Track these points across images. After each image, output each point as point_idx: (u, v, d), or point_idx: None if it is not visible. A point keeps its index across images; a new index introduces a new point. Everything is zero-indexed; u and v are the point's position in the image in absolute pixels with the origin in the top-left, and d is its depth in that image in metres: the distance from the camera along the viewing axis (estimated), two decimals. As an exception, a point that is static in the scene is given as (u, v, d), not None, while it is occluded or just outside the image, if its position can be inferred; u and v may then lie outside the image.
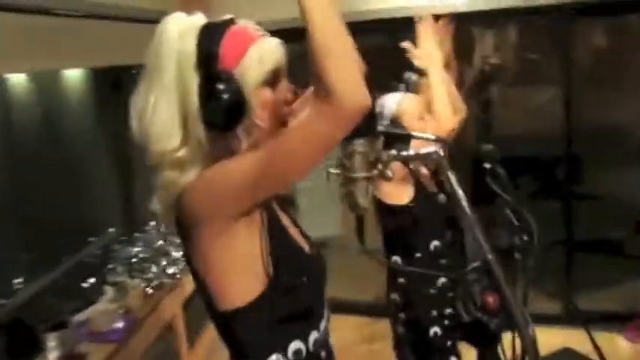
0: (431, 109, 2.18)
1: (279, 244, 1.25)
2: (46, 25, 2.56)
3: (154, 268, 3.30)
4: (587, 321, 2.76)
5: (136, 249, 3.37)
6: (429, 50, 2.22)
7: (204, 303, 1.29)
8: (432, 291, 2.19)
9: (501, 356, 1.37)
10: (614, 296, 4.00)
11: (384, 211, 2.19)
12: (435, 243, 2.19)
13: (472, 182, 1.70)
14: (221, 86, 1.14)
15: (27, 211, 2.90)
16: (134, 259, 3.30)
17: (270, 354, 1.25)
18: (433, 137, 1.49)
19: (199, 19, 1.21)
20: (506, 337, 1.34)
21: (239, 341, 1.26)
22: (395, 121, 2.14)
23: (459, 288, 1.32)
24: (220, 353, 1.38)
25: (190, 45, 1.16)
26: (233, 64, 1.16)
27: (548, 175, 4.23)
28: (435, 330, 2.19)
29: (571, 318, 3.72)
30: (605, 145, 4.06)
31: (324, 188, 4.44)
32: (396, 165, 1.49)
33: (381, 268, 2.39)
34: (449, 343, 2.22)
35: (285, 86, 1.25)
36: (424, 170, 2.26)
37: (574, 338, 3.07)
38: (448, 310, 2.23)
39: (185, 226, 1.21)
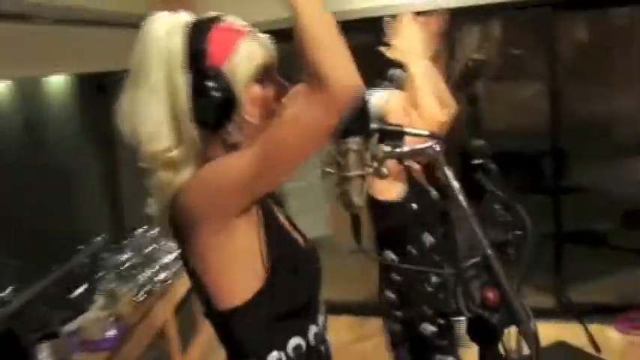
0: (416, 103, 2.16)
1: (276, 240, 1.24)
2: (27, 32, 2.53)
3: (143, 275, 3.27)
4: (580, 314, 2.78)
5: (125, 256, 3.34)
6: (409, 43, 2.19)
7: (201, 303, 1.27)
8: (428, 288, 2.19)
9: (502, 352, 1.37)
10: (602, 288, 4.04)
11: (376, 207, 2.17)
12: (429, 239, 2.19)
13: (459, 178, 1.70)
14: (210, 83, 1.13)
15: (13, 220, 2.86)
16: (124, 266, 3.27)
17: (270, 351, 1.23)
18: (427, 133, 1.48)
19: (185, 17, 1.20)
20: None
21: (238, 340, 1.24)
22: (381, 118, 2.13)
23: (459, 285, 1.31)
24: (214, 357, 1.36)
25: (177, 43, 1.15)
26: (221, 60, 1.15)
27: (534, 169, 4.26)
28: (431, 328, 2.18)
29: (564, 311, 3.75)
30: (590, 138, 4.08)
31: (311, 189, 4.45)
32: (390, 161, 1.48)
33: (370, 267, 2.39)
34: (445, 341, 2.22)
35: (274, 81, 1.24)
36: (415, 165, 2.25)
37: (567, 331, 3.10)
38: (444, 308, 2.23)
39: (181, 226, 1.20)
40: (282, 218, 1.35)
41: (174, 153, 1.17)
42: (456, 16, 3.81)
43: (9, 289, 2.67)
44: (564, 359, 2.86)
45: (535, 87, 4.16)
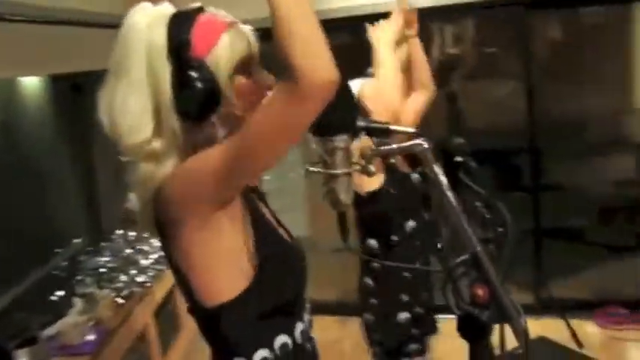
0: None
1: (262, 236, 1.23)
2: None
3: (123, 278, 3.24)
4: (563, 309, 2.81)
5: (104, 259, 3.30)
6: (381, 28, 2.20)
7: (186, 299, 1.26)
8: (406, 274, 2.20)
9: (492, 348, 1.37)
10: (580, 284, 4.08)
11: (358, 198, 2.17)
12: (411, 224, 2.19)
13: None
14: (194, 74, 1.11)
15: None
16: (102, 270, 3.23)
17: (256, 349, 1.22)
18: (413, 130, 1.48)
19: (167, 9, 1.18)
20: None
21: (224, 338, 1.23)
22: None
23: (448, 282, 1.30)
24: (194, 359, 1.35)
25: (160, 34, 1.13)
26: (205, 51, 1.13)
27: (511, 167, 4.29)
28: (405, 315, 2.19)
29: (544, 307, 3.78)
30: (566, 136, 4.13)
31: (291, 189, 4.43)
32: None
33: (350, 267, 2.39)
34: (418, 330, 2.23)
35: (258, 74, 1.22)
36: None
37: (546, 327, 3.12)
38: (422, 295, 2.24)
39: (164, 221, 1.18)
40: (267, 214, 1.34)
41: (156, 144, 1.15)
42: (431, 16, 3.88)
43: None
44: (545, 355, 2.87)
45: (510, 85, 4.20)
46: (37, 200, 3.25)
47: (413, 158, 2.02)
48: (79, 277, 3.16)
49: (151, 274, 3.35)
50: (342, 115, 1.32)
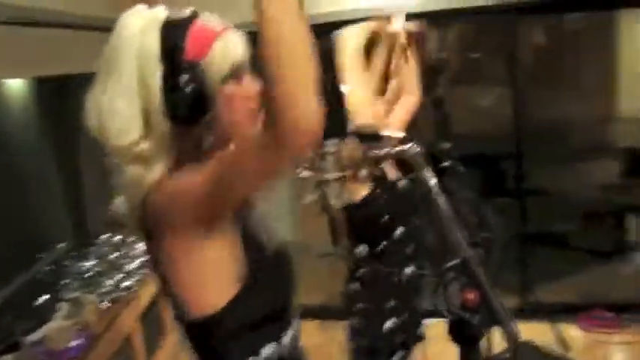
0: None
1: (251, 245, 1.22)
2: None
3: (108, 282, 3.21)
4: (548, 313, 2.83)
5: (89, 263, 3.27)
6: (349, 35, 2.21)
7: (172, 308, 1.25)
8: (394, 281, 2.20)
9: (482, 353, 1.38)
10: (564, 288, 4.11)
11: (346, 205, 2.17)
12: (400, 230, 2.20)
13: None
14: (185, 78, 1.11)
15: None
16: (88, 274, 3.20)
17: (244, 358, 1.22)
18: (402, 135, 1.49)
19: (161, 13, 1.17)
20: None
21: (211, 347, 1.22)
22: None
23: (439, 287, 1.31)
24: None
25: (153, 38, 1.13)
26: (197, 57, 1.13)
27: (497, 172, 4.32)
28: (392, 322, 2.19)
29: (529, 311, 3.80)
30: (551, 142, 4.17)
31: (277, 194, 4.42)
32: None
33: (337, 271, 2.39)
34: (404, 335, 2.23)
35: (249, 80, 1.22)
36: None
37: (532, 331, 3.14)
38: (410, 303, 2.24)
39: (152, 229, 1.18)
40: (255, 221, 1.33)
41: (144, 146, 1.14)
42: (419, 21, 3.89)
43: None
44: (531, 359, 2.89)
45: (496, 91, 4.23)
46: (21, 204, 3.21)
47: (402, 164, 2.03)
48: (64, 282, 3.13)
49: (136, 278, 3.32)
50: (332, 119, 1.32)
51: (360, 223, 2.18)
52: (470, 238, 1.46)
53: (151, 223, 1.17)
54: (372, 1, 3.53)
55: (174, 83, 1.11)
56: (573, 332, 3.67)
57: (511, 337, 1.27)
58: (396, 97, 2.39)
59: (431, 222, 1.87)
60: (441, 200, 1.32)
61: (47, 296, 2.98)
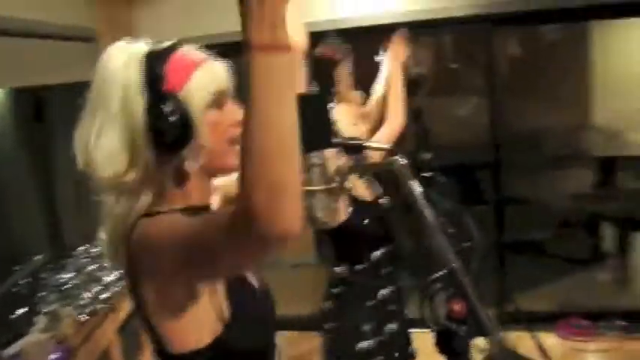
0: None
1: (234, 284, 1.22)
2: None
3: (86, 294, 3.16)
4: (527, 322, 2.85)
5: (67, 275, 3.22)
6: None
7: (150, 342, 1.23)
8: (368, 303, 2.20)
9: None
10: (541, 296, 4.16)
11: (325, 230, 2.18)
12: (376, 253, 2.20)
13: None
14: (167, 108, 1.12)
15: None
16: (65, 286, 3.15)
17: None
18: (388, 147, 1.50)
19: (142, 47, 1.19)
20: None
21: None
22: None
23: (426, 297, 1.32)
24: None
25: (135, 71, 1.14)
26: (178, 87, 1.15)
27: (474, 181, 4.36)
28: (364, 345, 2.19)
29: (508, 320, 3.83)
30: (527, 151, 4.21)
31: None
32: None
33: (314, 282, 2.39)
34: (382, 356, 2.23)
35: (231, 108, 1.24)
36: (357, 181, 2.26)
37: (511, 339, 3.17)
38: (388, 325, 2.25)
39: (133, 267, 1.16)
40: None
41: (130, 176, 1.15)
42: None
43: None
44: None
45: (474, 101, 4.27)
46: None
47: (383, 182, 2.05)
48: (41, 294, 3.08)
49: (114, 290, 3.28)
50: (317, 131, 1.33)
51: (337, 245, 2.19)
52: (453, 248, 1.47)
53: (132, 262, 1.16)
54: (363, 11, 3.55)
55: (156, 113, 1.12)
56: (550, 340, 3.70)
57: (496, 347, 1.28)
58: (378, 111, 2.42)
59: (416, 233, 1.88)
60: (427, 211, 1.33)
61: (24, 309, 2.93)
